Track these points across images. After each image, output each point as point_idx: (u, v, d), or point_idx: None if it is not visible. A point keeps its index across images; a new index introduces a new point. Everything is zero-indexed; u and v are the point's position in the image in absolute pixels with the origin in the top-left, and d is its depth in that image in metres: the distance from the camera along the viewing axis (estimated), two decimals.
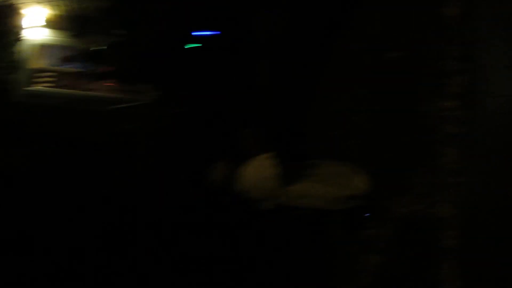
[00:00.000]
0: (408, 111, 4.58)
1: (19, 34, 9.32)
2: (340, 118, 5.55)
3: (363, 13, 5.47)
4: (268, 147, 4.62)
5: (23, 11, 9.88)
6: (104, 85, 9.97)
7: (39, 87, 10.45)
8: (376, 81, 5.02)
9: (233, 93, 7.27)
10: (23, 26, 9.92)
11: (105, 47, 7.86)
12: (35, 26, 10.02)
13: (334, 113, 5.84)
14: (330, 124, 5.80)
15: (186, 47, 7.12)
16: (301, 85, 6.48)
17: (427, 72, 4.38)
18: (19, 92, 10.00)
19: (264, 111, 6.67)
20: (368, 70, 5.29)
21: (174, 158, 7.84)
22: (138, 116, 8.97)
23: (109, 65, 7.96)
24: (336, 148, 5.52)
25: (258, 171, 4.50)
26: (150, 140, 8.47)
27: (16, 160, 7.98)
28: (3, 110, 9.45)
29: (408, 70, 4.58)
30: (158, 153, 8.18)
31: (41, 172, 7.95)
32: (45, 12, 10.07)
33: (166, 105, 8.32)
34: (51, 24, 10.18)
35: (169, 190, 7.30)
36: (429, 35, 4.38)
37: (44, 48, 11.54)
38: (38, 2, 9.73)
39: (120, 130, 8.81)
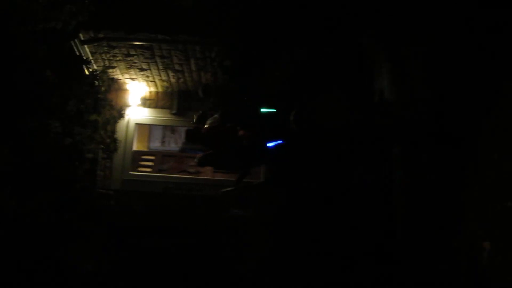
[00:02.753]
0: None
1: (120, 112, 8.48)
2: None
3: None
4: None
5: (125, 86, 9.23)
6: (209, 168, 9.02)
7: (140, 172, 9.70)
8: None
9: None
10: (124, 104, 9.26)
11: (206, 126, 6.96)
12: (137, 104, 9.30)
13: None
14: None
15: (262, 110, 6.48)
16: None
17: None
18: (120, 178, 9.17)
19: None
20: None
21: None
22: (250, 200, 7.89)
23: (209, 147, 7.02)
24: None
25: None
26: (264, 225, 7.41)
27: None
28: (101, 201, 8.58)
29: None
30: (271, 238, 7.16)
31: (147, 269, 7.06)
32: (146, 89, 9.38)
33: (278, 185, 7.52)
34: (153, 102, 9.48)
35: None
36: None
37: (145, 128, 11.06)
38: (141, 78, 9.03)
39: (230, 216, 7.81)
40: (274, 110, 6.49)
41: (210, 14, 7.24)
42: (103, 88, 7.78)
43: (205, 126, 6.63)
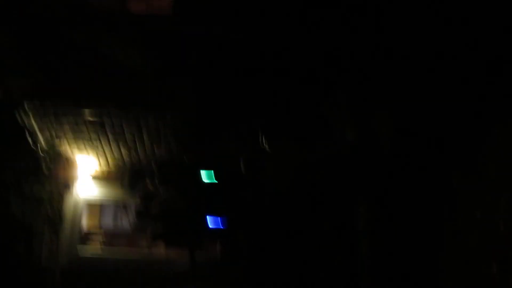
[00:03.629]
0: None
1: (67, 188, 7.93)
2: None
3: None
4: None
5: (72, 161, 8.74)
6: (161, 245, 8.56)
7: (89, 251, 9.08)
8: None
9: None
10: (72, 179, 8.74)
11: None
12: (85, 179, 8.80)
13: None
14: None
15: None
16: None
17: None
18: (67, 258, 8.53)
19: None
20: None
21: None
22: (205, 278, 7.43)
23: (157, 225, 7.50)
24: None
25: None
26: None
27: None
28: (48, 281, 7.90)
29: None
30: None
31: None
32: (95, 165, 8.90)
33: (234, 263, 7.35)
34: (102, 178, 8.98)
35: None
36: None
37: (94, 205, 10.47)
38: (90, 152, 8.56)
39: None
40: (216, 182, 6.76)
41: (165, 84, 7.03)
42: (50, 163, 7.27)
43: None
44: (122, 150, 8.49)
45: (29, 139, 7.40)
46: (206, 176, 6.98)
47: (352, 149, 6.07)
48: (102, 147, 8.48)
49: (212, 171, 7.06)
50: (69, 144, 8.38)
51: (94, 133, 8.11)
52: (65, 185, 7.94)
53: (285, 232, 6.68)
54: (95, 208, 10.66)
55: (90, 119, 7.67)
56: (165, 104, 7.17)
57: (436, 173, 4.75)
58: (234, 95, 6.89)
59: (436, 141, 4.75)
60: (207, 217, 6.99)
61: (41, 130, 7.88)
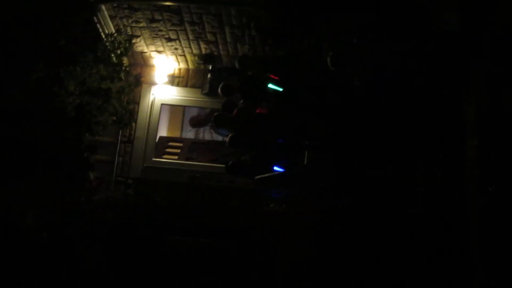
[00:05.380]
0: None
1: (138, 78, 7.28)
2: None
3: None
4: None
5: (151, 62, 8.07)
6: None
7: (164, 159, 8.55)
8: None
9: None
10: (150, 81, 8.12)
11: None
12: (164, 82, 8.13)
13: None
14: None
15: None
16: None
17: None
18: (141, 165, 8.05)
19: None
20: None
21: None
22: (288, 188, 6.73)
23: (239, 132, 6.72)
24: None
25: None
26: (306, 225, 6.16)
27: None
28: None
29: None
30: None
31: None
32: (174, 66, 8.19)
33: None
34: (182, 80, 8.29)
35: None
36: None
37: (178, 111, 9.91)
38: (169, 52, 7.85)
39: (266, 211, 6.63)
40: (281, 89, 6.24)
41: None
42: (118, 51, 6.60)
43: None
44: (203, 49, 7.75)
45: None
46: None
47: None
48: (181, 46, 7.77)
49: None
50: (146, 43, 7.74)
51: (172, 29, 7.41)
52: (136, 77, 7.23)
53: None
54: (178, 117, 10.09)
55: (168, 10, 6.95)
56: None
57: None
58: None
59: None
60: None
61: (116, 27, 7.26)
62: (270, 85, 6.17)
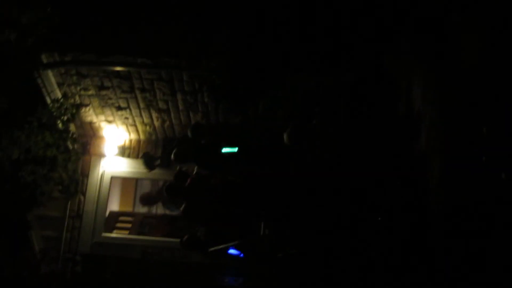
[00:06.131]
0: None
1: (85, 146, 6.95)
2: None
3: None
4: None
5: (100, 133, 7.78)
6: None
7: (115, 234, 8.14)
8: None
9: None
10: (100, 153, 7.80)
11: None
12: (114, 154, 7.83)
13: None
14: None
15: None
16: None
17: None
18: (90, 241, 7.65)
19: None
20: None
21: None
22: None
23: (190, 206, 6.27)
24: None
25: None
26: None
27: None
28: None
29: None
30: None
31: None
32: (125, 137, 7.90)
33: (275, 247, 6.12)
34: (133, 151, 7.97)
35: None
36: None
37: (130, 184, 9.51)
38: (119, 121, 7.59)
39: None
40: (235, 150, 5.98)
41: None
42: (65, 117, 6.30)
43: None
44: (154, 118, 7.50)
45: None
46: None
47: None
48: (132, 116, 7.50)
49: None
50: (95, 112, 7.45)
51: (123, 97, 7.18)
52: (83, 145, 6.91)
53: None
54: (130, 190, 9.68)
55: (117, 76, 6.74)
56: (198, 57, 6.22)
57: None
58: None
59: None
60: None
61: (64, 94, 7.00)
62: (225, 149, 5.94)
